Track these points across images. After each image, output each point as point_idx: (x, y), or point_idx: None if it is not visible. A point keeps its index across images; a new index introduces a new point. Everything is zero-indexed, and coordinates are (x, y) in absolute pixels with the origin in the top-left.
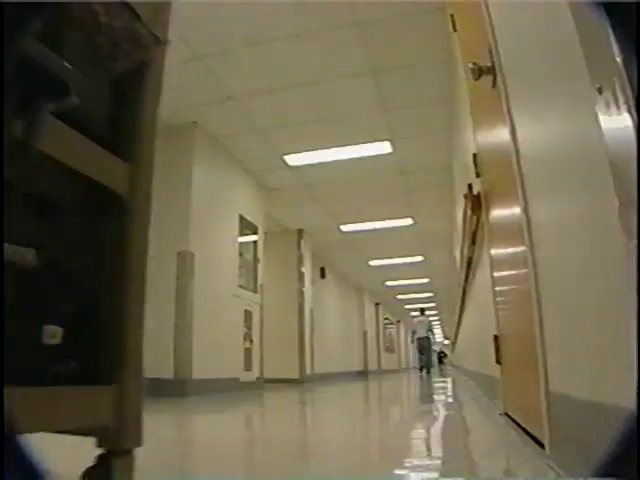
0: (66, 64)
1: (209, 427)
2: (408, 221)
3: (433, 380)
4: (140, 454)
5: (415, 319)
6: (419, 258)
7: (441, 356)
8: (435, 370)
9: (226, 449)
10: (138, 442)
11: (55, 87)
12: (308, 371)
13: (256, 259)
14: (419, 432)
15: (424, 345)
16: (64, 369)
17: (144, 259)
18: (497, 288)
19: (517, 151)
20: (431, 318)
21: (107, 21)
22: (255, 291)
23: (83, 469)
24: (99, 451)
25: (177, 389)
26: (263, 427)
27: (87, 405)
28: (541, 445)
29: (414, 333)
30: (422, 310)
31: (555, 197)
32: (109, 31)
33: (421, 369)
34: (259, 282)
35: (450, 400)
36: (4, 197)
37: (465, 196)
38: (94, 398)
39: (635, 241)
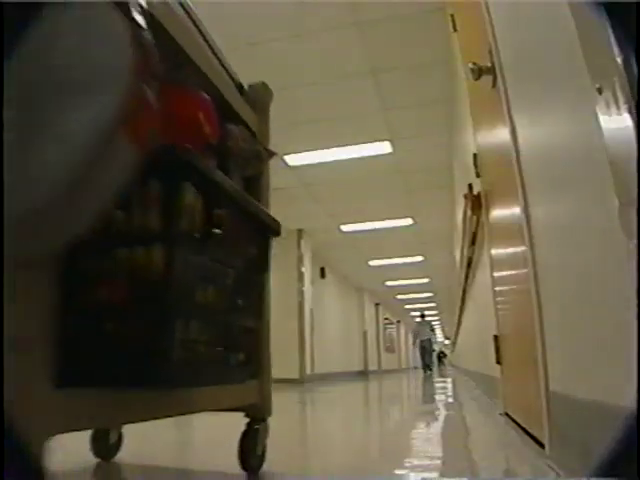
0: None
1: (209, 427)
2: (408, 221)
3: (433, 380)
4: (140, 454)
5: (416, 321)
6: (419, 258)
7: (440, 356)
8: (434, 370)
9: (226, 449)
10: (270, 413)
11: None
12: (308, 371)
13: None
14: (419, 432)
15: (426, 347)
16: (238, 373)
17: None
18: (497, 288)
19: (517, 151)
20: (431, 318)
21: (243, 146)
22: None
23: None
24: (246, 420)
25: None
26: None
27: (246, 392)
28: (541, 445)
29: (416, 335)
30: (422, 315)
31: (555, 197)
32: (243, 153)
33: (425, 368)
34: None
35: (450, 400)
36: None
37: (465, 196)
38: (249, 388)
39: (635, 241)
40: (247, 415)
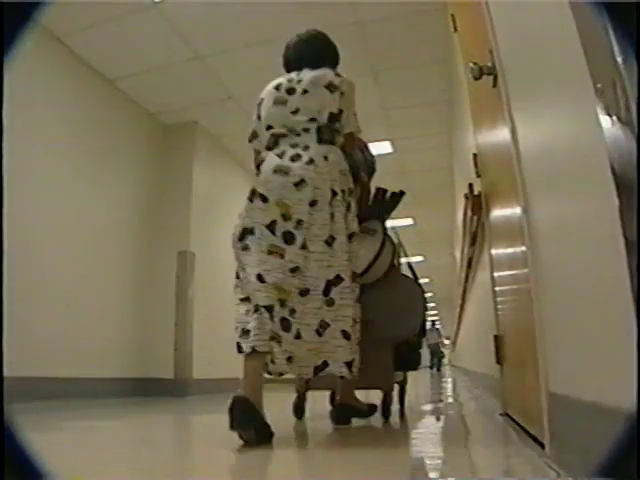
0: None
1: (209, 428)
2: (408, 221)
3: (434, 379)
4: (140, 454)
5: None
6: (419, 258)
7: (440, 356)
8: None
9: (227, 450)
10: (391, 388)
11: None
12: None
13: None
14: (418, 431)
15: (434, 350)
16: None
17: None
18: (497, 288)
19: (517, 151)
20: (431, 318)
21: None
22: None
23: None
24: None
25: (177, 389)
26: None
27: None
28: (541, 445)
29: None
30: (433, 322)
31: (555, 197)
32: None
33: (431, 367)
34: None
35: (450, 400)
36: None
37: (465, 196)
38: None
39: (635, 241)
40: (382, 389)
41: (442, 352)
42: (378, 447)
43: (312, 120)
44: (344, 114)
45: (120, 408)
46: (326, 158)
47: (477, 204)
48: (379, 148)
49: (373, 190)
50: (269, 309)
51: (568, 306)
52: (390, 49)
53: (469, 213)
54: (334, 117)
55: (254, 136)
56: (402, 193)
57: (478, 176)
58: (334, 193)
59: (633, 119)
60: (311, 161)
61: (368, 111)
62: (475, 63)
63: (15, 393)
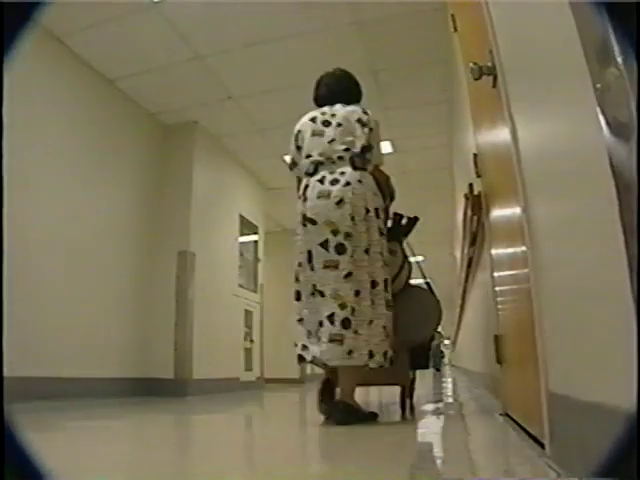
0: None
1: (209, 428)
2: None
3: (434, 380)
4: (140, 454)
5: None
6: (419, 258)
7: (440, 356)
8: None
9: (227, 450)
10: (408, 384)
11: None
12: (309, 371)
13: (256, 259)
14: (418, 431)
15: (434, 350)
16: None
17: None
18: (497, 288)
19: (517, 151)
20: None
21: None
22: (255, 291)
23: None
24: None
25: (177, 389)
26: (265, 427)
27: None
28: (541, 445)
29: None
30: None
31: (555, 197)
32: None
33: (434, 367)
34: (259, 282)
35: (450, 400)
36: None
37: (465, 196)
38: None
39: (635, 241)
40: (400, 385)
41: (442, 352)
42: (377, 447)
43: (347, 150)
44: (373, 148)
45: (120, 408)
46: (360, 182)
47: (477, 204)
48: None
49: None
50: (330, 317)
51: (568, 306)
52: (390, 49)
53: (469, 213)
54: (365, 148)
55: (294, 164)
56: (416, 219)
57: (478, 176)
58: (367, 210)
59: (633, 119)
60: (347, 184)
61: None
62: (475, 63)
63: (15, 393)
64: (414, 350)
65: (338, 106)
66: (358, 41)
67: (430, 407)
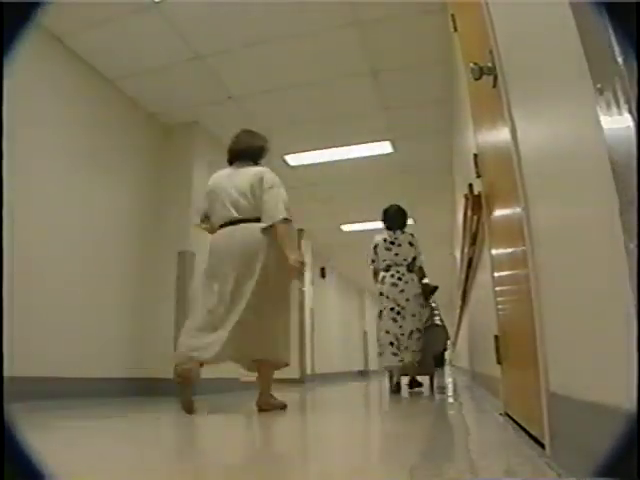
0: None
1: (209, 427)
2: (408, 221)
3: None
4: (140, 454)
5: None
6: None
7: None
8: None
9: (227, 450)
10: (433, 374)
11: None
12: (308, 371)
13: None
14: (418, 431)
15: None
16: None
17: None
18: (497, 288)
19: (517, 151)
20: None
21: None
22: None
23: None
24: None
25: (177, 389)
26: (266, 427)
27: (430, 370)
28: (541, 445)
29: None
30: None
31: (555, 197)
32: None
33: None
34: None
35: (450, 400)
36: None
37: (465, 196)
38: (431, 368)
39: (635, 241)
40: (409, 374)
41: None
42: (376, 448)
43: (404, 260)
44: (417, 258)
45: (120, 408)
46: (412, 279)
47: (477, 204)
48: (379, 148)
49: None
50: (392, 343)
51: (568, 306)
52: (390, 49)
53: (469, 213)
54: (414, 259)
55: (373, 262)
56: (436, 287)
57: (478, 176)
58: (414, 295)
59: (633, 119)
60: (406, 280)
61: (368, 111)
62: (475, 63)
63: (15, 393)
64: (435, 357)
65: (398, 232)
66: (358, 41)
67: (427, 407)
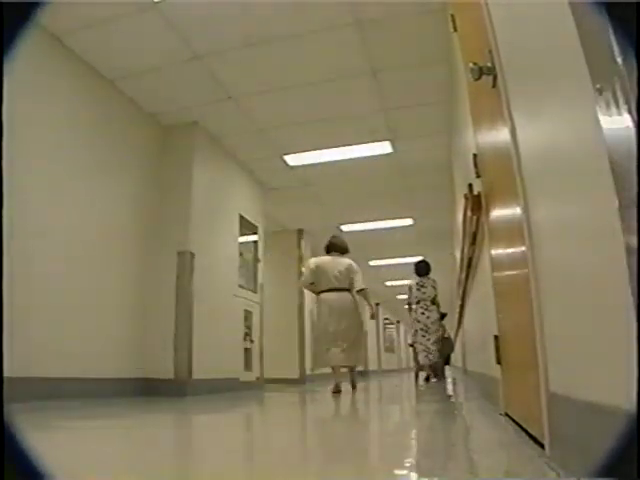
0: None
1: (209, 428)
2: (408, 221)
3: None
4: (140, 454)
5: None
6: (419, 258)
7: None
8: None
9: (227, 450)
10: (443, 369)
11: None
12: (308, 371)
13: (256, 259)
14: (418, 431)
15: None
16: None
17: None
18: (497, 288)
19: (517, 151)
20: None
21: None
22: (255, 291)
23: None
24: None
25: (177, 389)
26: (266, 428)
27: (442, 367)
28: (541, 445)
29: None
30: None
31: (555, 197)
32: None
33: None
34: (259, 282)
35: (451, 400)
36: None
37: (465, 196)
38: (442, 366)
39: (635, 241)
40: (426, 371)
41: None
42: (375, 449)
43: (429, 296)
44: (436, 297)
45: (120, 408)
46: (434, 309)
47: (477, 204)
48: (379, 148)
49: None
50: (424, 350)
51: (568, 306)
52: (390, 49)
53: (469, 213)
54: (435, 297)
55: (410, 298)
56: (446, 314)
57: (478, 176)
58: (436, 319)
59: (633, 119)
60: (430, 310)
61: (368, 111)
62: (475, 63)
63: (15, 393)
64: (445, 358)
65: (425, 278)
66: (358, 41)
67: (430, 407)
